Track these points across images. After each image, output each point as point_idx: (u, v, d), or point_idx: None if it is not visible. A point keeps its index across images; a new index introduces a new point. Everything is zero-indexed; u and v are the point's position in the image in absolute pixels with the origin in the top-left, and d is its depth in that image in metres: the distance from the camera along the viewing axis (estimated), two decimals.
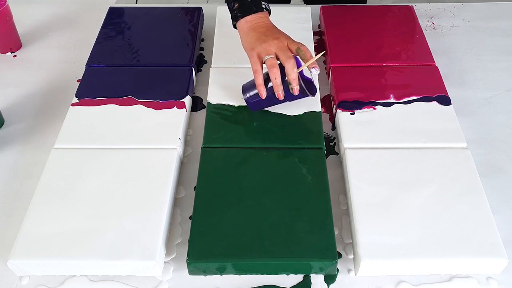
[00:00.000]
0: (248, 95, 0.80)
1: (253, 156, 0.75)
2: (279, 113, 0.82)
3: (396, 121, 0.81)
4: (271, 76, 0.76)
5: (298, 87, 0.76)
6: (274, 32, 0.79)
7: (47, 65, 1.00)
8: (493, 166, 0.80)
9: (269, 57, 0.76)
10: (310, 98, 0.80)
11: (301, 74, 0.79)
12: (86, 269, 0.65)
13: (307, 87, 0.79)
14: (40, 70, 0.99)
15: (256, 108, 0.82)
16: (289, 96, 0.78)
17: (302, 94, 0.78)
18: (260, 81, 0.77)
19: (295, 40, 0.78)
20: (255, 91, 0.79)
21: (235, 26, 0.83)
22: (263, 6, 0.81)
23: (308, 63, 0.75)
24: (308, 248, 0.64)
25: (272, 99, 0.79)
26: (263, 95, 0.78)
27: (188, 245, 0.64)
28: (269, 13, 0.83)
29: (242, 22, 0.81)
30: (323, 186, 0.71)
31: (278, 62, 0.77)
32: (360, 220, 0.67)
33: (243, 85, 0.82)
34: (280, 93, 0.77)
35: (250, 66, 0.78)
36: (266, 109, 0.83)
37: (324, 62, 1.00)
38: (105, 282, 0.66)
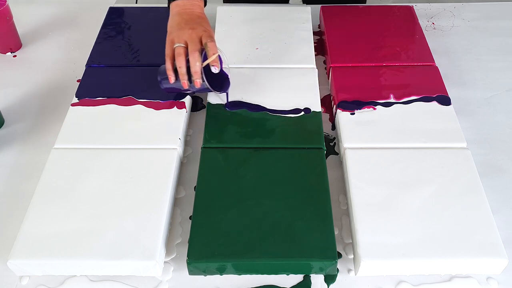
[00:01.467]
0: (159, 77, 0.82)
1: (253, 156, 0.75)
2: (279, 113, 0.82)
3: (396, 121, 0.81)
4: (176, 64, 0.76)
5: (200, 81, 0.76)
6: (195, 22, 0.78)
7: (47, 65, 1.00)
8: (493, 166, 0.80)
9: (178, 45, 0.76)
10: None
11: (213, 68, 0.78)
12: (86, 269, 0.65)
13: (219, 83, 0.79)
14: (40, 70, 0.99)
15: (167, 92, 0.83)
16: (195, 88, 0.78)
17: (206, 89, 0.78)
18: (169, 66, 0.78)
19: (210, 36, 0.77)
20: (166, 75, 0.80)
21: (169, 7, 0.83)
22: None
23: (208, 61, 0.75)
24: (308, 248, 0.64)
25: (181, 86, 0.79)
26: (172, 80, 0.79)
27: (188, 245, 0.64)
28: (205, 3, 0.83)
29: (173, 5, 0.82)
30: (323, 186, 0.71)
31: None
32: (360, 220, 0.67)
33: (160, 67, 0.83)
34: (185, 82, 0.77)
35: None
36: (266, 109, 0.83)
37: (324, 62, 1.00)
38: (105, 282, 0.66)
